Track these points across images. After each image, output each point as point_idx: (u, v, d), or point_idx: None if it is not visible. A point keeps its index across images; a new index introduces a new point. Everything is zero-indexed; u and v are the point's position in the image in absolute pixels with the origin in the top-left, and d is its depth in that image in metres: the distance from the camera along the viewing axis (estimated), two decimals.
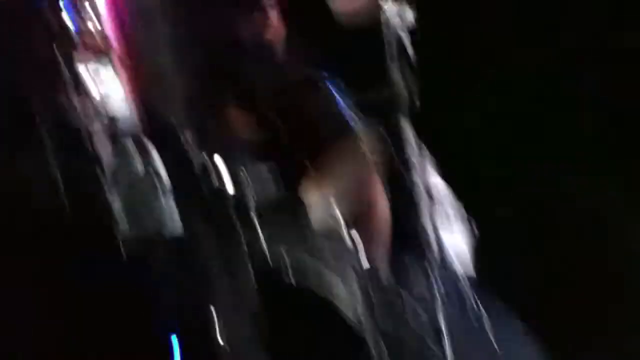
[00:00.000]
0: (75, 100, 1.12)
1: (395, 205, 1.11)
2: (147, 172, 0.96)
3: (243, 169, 1.01)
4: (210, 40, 1.50)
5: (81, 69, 1.20)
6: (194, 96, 1.30)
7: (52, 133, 1.02)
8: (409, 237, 1.07)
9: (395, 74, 1.08)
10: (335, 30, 1.56)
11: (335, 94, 1.07)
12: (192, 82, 1.32)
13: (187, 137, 1.03)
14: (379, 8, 1.11)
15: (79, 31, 1.23)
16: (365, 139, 1.08)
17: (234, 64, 1.30)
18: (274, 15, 1.37)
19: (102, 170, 0.95)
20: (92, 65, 1.26)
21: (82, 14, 1.20)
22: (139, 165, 0.96)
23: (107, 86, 1.19)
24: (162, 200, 0.95)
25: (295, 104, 1.06)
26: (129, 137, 1.01)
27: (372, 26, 1.10)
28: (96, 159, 0.96)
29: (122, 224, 0.93)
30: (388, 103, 1.20)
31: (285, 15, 1.36)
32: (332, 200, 1.04)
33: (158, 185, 0.95)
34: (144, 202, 0.95)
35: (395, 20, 1.12)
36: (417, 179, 1.06)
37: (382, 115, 1.11)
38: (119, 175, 0.96)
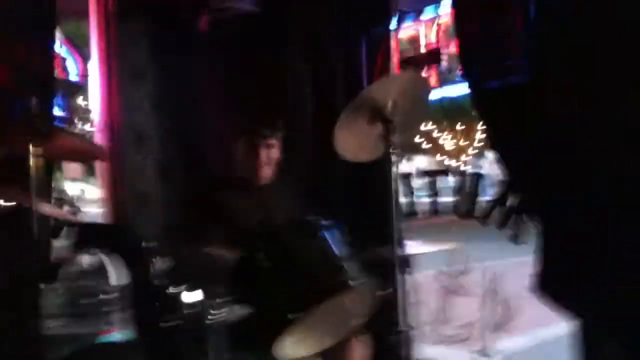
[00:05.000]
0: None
1: None
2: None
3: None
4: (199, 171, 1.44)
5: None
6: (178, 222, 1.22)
7: None
8: None
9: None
10: (342, 178, 1.47)
11: (332, 244, 0.96)
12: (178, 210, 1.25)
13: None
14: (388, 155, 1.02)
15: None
16: (354, 296, 0.97)
17: (222, 197, 1.22)
18: (274, 153, 1.31)
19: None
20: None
21: None
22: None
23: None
24: None
25: (285, 248, 0.96)
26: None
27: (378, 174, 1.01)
28: None
29: None
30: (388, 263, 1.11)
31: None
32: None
33: None
34: None
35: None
36: None
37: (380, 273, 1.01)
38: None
